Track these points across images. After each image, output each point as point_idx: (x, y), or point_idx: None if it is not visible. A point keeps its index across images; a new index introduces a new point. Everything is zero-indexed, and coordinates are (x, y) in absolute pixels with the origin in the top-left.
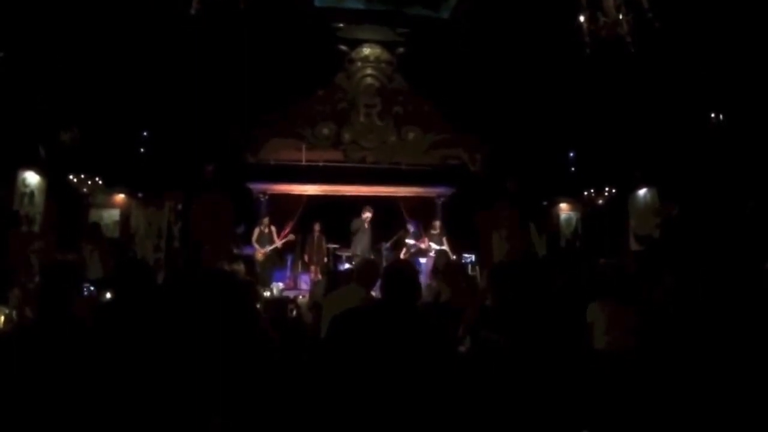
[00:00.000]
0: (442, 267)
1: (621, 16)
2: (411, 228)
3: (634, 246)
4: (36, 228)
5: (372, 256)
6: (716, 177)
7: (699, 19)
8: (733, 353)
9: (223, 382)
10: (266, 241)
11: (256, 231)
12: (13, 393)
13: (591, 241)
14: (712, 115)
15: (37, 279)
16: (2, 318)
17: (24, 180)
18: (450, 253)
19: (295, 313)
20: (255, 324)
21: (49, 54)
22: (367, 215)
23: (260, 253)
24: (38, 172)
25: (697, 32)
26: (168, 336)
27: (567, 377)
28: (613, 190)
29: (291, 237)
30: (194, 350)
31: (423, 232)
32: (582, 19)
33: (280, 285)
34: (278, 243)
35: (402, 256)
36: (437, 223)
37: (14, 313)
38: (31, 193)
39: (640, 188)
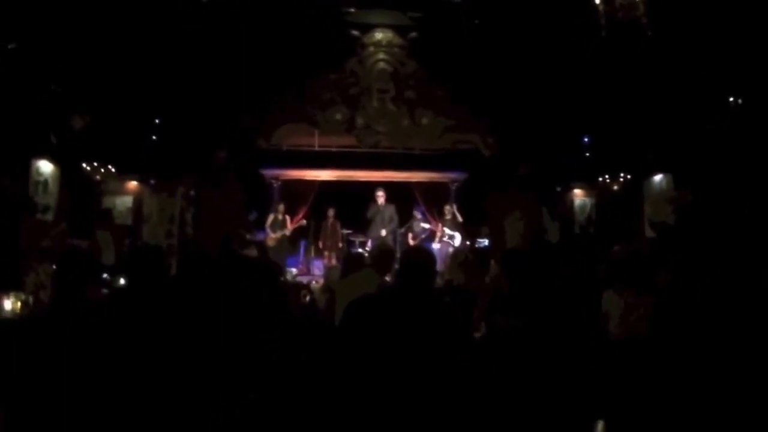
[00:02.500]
0: (462, 256)
1: None
2: (418, 214)
3: (648, 233)
4: (50, 216)
5: (390, 241)
6: (733, 163)
7: (717, 0)
8: (749, 342)
9: (247, 366)
10: (279, 227)
11: (271, 216)
12: (29, 377)
13: (605, 228)
14: (731, 99)
15: (52, 266)
16: (19, 303)
17: (38, 169)
18: (459, 242)
19: (308, 298)
20: (283, 307)
21: (60, 43)
22: (380, 194)
23: (271, 238)
24: (51, 160)
25: (715, 13)
26: (184, 322)
27: (581, 365)
28: (628, 176)
29: (302, 222)
30: (212, 337)
31: (433, 217)
32: (598, 0)
33: (294, 271)
34: (288, 230)
35: (411, 241)
36: (450, 208)
37: (30, 298)
38: (45, 182)
39: (656, 174)
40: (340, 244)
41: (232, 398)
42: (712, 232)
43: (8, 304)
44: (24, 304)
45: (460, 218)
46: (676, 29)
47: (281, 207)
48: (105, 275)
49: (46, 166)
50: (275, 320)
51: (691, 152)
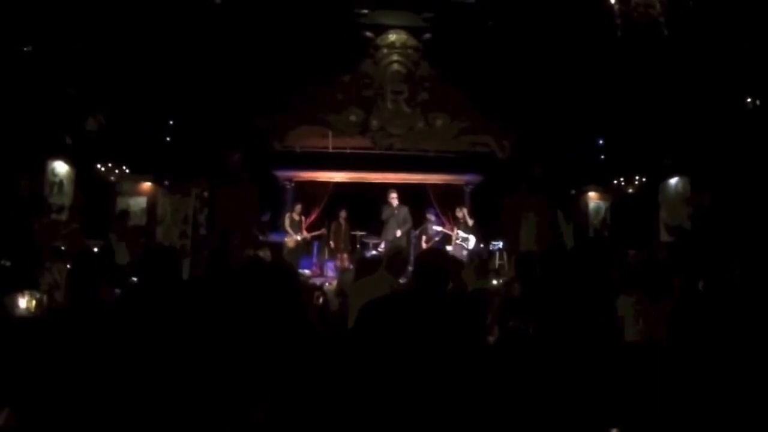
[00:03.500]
0: (476, 260)
1: None
2: (431, 217)
3: (664, 237)
4: (64, 216)
5: (403, 243)
6: (751, 165)
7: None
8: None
9: (263, 372)
10: (296, 228)
11: (288, 217)
12: (43, 376)
13: (620, 231)
14: (749, 99)
15: (66, 265)
16: (33, 302)
17: (53, 169)
18: (473, 245)
19: (321, 300)
20: (302, 314)
21: (75, 43)
22: (393, 196)
23: (292, 240)
24: (67, 161)
25: (732, 13)
26: (196, 323)
27: (595, 370)
28: (644, 179)
29: (323, 231)
30: (224, 338)
31: (447, 219)
32: (613, 0)
33: (307, 272)
34: (306, 235)
35: (424, 244)
36: (463, 211)
37: (45, 297)
38: (60, 183)
39: (672, 177)
40: (350, 246)
41: (245, 400)
42: (730, 235)
43: (23, 303)
44: (38, 303)
45: (470, 222)
46: (693, 29)
47: (298, 207)
48: (131, 277)
49: (61, 167)
50: (288, 322)
51: (708, 154)
